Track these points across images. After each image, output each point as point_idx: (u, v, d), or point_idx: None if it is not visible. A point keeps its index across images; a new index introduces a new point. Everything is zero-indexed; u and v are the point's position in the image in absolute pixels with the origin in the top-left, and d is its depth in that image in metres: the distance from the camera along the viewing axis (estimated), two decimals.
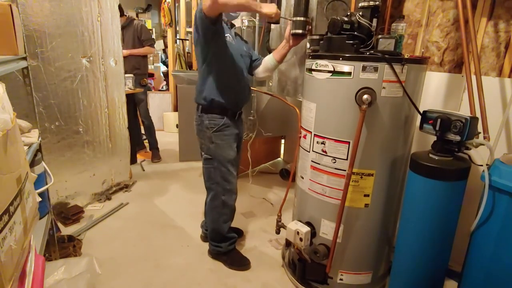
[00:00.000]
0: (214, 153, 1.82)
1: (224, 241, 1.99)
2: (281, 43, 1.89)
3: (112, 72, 2.65)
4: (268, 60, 1.93)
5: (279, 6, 2.17)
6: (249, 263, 1.99)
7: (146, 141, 3.98)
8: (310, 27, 1.83)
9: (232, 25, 1.89)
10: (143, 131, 3.95)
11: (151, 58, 6.17)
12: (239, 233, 2.26)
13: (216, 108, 1.77)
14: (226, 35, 1.72)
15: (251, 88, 2.52)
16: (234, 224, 2.50)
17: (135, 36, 3.49)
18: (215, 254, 2.03)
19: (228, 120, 1.80)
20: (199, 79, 1.80)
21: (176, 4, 5.66)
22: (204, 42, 1.67)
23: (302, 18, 1.80)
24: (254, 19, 2.50)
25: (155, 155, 3.77)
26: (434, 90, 1.91)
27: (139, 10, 7.31)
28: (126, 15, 3.48)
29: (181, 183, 3.16)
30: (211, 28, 1.60)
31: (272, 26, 2.41)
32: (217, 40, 1.67)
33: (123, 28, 3.43)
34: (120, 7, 3.37)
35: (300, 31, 1.92)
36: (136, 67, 3.53)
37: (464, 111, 1.59)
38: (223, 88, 1.75)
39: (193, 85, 2.33)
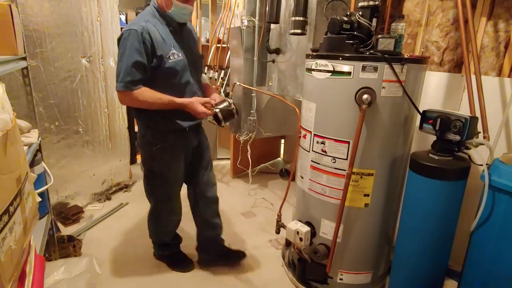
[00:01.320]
0: (151, 169, 1.73)
1: (163, 248, 1.97)
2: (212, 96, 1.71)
3: (111, 72, 2.65)
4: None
5: (278, 6, 2.18)
6: (192, 265, 1.95)
7: None
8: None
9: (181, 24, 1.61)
10: None
11: None
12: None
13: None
14: (168, 56, 1.51)
15: (252, 88, 2.53)
16: (234, 224, 2.49)
17: None
18: (158, 255, 2.00)
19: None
20: None
21: None
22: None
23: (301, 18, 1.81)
24: (254, 19, 2.50)
25: None
26: (433, 89, 1.90)
27: (139, 10, 7.29)
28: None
29: None
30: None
31: (272, 26, 2.41)
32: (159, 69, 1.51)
33: None
34: None
35: (299, 31, 1.92)
36: None
37: (464, 111, 1.59)
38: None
39: None
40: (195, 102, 1.54)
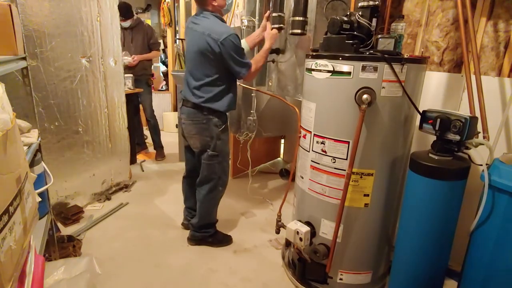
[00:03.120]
0: (219, 149, 1.98)
1: (212, 226, 2.18)
2: (256, 31, 2.14)
3: (111, 72, 2.65)
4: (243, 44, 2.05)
5: (281, 5, 2.18)
6: (231, 238, 2.23)
7: (147, 141, 3.98)
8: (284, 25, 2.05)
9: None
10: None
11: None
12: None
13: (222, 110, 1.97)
14: None
15: (252, 88, 2.53)
16: (234, 224, 2.50)
17: (145, 39, 3.59)
18: (199, 240, 2.16)
19: (227, 120, 2.02)
20: (199, 86, 1.90)
21: (176, 4, 5.65)
22: (223, 65, 1.84)
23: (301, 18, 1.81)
24: (254, 19, 2.50)
25: (160, 154, 3.82)
26: (433, 89, 1.91)
27: (139, 10, 7.30)
28: (134, 17, 3.53)
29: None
30: None
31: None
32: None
33: (132, 28, 3.51)
34: (129, 9, 3.42)
35: (299, 31, 1.92)
36: (144, 67, 3.65)
37: (464, 111, 1.59)
38: (228, 95, 1.95)
39: None
40: (269, 35, 2.01)
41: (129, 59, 3.39)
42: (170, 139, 4.50)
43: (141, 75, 3.59)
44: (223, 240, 2.20)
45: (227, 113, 2.00)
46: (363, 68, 1.38)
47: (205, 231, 2.15)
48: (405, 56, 1.45)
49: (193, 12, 4.36)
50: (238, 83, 2.40)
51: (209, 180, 2.04)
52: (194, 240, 2.17)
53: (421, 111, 1.48)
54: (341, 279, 1.68)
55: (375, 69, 1.37)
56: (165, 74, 6.34)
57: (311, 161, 1.62)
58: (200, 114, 1.92)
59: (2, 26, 1.26)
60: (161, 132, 3.88)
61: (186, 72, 1.98)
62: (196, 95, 1.90)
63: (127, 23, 3.43)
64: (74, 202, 2.48)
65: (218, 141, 1.96)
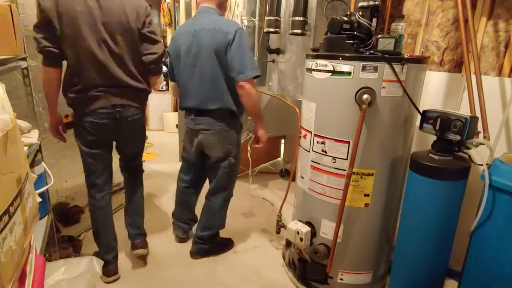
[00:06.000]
0: (238, 155, 1.95)
1: (218, 235, 2.10)
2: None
3: None
4: None
5: (278, 6, 2.18)
6: (233, 241, 2.18)
7: (148, 141, 3.97)
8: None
9: None
10: None
11: None
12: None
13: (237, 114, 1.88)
14: None
15: None
16: (234, 224, 2.49)
17: None
18: (206, 251, 2.05)
19: None
20: (219, 88, 1.76)
21: (176, 4, 5.64)
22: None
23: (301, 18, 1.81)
24: (254, 19, 2.50)
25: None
26: (434, 89, 1.90)
27: None
28: None
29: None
30: None
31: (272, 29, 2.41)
32: None
33: None
34: None
35: (299, 31, 1.92)
36: None
37: (464, 111, 1.59)
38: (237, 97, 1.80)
39: None
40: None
41: None
42: (170, 139, 4.50)
43: None
44: (227, 245, 2.15)
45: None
46: (363, 68, 1.38)
47: (213, 241, 2.06)
48: (405, 56, 1.45)
49: (193, 12, 4.35)
50: None
51: (226, 188, 1.97)
52: (202, 253, 2.04)
53: (421, 111, 1.48)
54: (341, 279, 1.68)
55: (375, 69, 1.37)
56: (165, 74, 6.33)
57: (312, 161, 1.62)
58: (220, 122, 1.80)
59: (3, 26, 1.26)
60: (161, 132, 3.86)
61: (194, 78, 1.78)
62: (217, 101, 1.76)
63: None
64: (74, 202, 2.48)
65: (238, 148, 1.92)
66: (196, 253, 2.04)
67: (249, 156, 2.83)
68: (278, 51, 2.40)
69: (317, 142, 1.57)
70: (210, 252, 2.06)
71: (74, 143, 2.45)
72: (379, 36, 1.47)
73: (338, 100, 1.48)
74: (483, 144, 1.41)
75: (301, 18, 1.89)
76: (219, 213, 2.02)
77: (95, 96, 1.57)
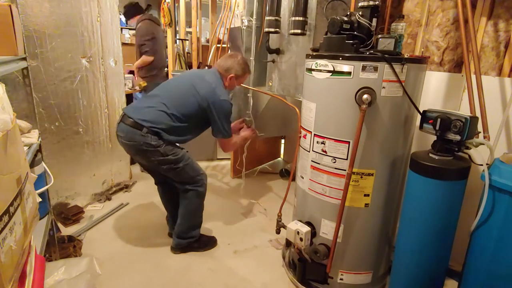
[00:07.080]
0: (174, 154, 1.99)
1: (198, 229, 2.12)
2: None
3: (112, 72, 2.65)
4: None
5: (278, 6, 2.18)
6: (216, 240, 2.19)
7: None
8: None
9: None
10: None
11: None
12: None
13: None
14: None
15: (251, 88, 2.53)
16: (234, 224, 2.50)
17: (138, 42, 3.55)
18: (185, 247, 2.09)
19: None
20: (180, 119, 1.90)
21: (176, 4, 5.65)
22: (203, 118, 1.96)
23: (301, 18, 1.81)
24: (252, 19, 2.50)
25: None
26: (434, 89, 1.90)
27: None
28: (137, 17, 3.50)
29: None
30: None
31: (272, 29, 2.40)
32: None
33: (136, 29, 3.47)
34: (130, 8, 3.35)
35: (299, 31, 1.92)
36: (140, 76, 3.64)
37: (464, 111, 1.59)
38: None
39: None
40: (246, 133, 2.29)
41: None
42: None
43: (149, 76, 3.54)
44: (208, 243, 2.15)
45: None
46: (363, 68, 1.38)
47: (191, 236, 2.07)
48: (405, 56, 1.45)
49: (193, 12, 4.35)
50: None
51: (189, 183, 1.99)
52: (180, 248, 2.08)
53: (421, 111, 1.48)
54: (341, 279, 1.68)
55: (375, 69, 1.37)
56: (166, 74, 6.33)
57: (312, 161, 1.62)
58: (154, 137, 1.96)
59: (3, 27, 1.26)
60: None
61: (162, 98, 1.91)
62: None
63: (132, 23, 3.40)
64: (74, 202, 2.48)
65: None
66: (174, 248, 2.10)
67: (244, 158, 2.82)
68: (278, 51, 2.40)
69: (317, 142, 1.57)
70: (189, 248, 2.09)
71: (74, 143, 2.46)
72: (379, 36, 1.47)
73: (338, 100, 1.48)
74: (483, 144, 1.41)
75: (301, 18, 1.89)
76: (188, 208, 2.04)
77: None
